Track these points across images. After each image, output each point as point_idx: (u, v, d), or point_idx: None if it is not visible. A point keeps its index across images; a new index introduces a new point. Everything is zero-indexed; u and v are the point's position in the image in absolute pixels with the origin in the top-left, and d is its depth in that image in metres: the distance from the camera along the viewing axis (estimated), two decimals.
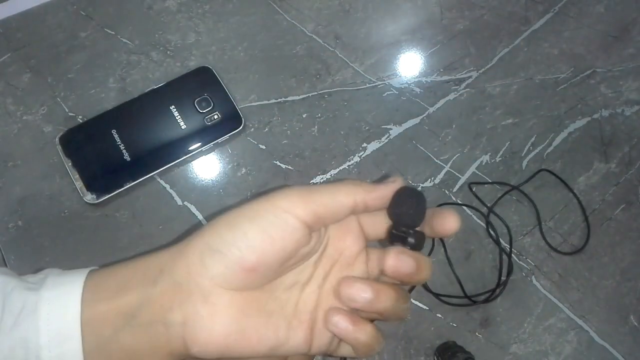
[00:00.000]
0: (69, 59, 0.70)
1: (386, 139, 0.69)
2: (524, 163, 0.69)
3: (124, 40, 0.72)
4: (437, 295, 0.61)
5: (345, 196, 0.28)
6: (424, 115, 0.71)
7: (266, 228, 0.25)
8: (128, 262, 0.27)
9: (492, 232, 0.65)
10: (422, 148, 0.69)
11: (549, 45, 0.77)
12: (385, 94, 0.72)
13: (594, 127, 0.72)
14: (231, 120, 0.67)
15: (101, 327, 0.24)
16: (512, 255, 0.64)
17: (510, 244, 0.64)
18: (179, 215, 0.63)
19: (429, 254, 0.63)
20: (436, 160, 0.69)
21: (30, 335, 0.23)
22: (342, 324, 0.27)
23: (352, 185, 0.28)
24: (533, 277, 0.63)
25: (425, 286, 0.62)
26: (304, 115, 0.70)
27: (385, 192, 0.29)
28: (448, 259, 0.63)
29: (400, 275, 0.28)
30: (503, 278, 0.63)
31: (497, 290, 0.62)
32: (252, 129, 0.68)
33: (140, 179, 0.63)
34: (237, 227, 0.25)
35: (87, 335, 0.24)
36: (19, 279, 0.26)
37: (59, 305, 0.24)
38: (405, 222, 0.29)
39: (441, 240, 0.64)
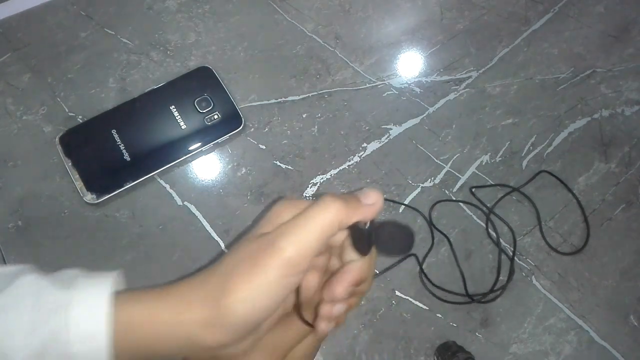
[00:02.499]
0: (69, 59, 0.70)
1: (386, 139, 0.69)
2: (524, 163, 0.69)
3: (124, 40, 0.72)
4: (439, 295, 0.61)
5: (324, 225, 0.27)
6: (424, 115, 0.71)
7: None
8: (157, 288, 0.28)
9: (492, 233, 0.65)
10: (422, 148, 0.69)
11: (549, 45, 0.77)
12: (385, 94, 0.72)
13: (594, 127, 0.72)
14: (231, 120, 0.67)
15: (129, 329, 0.25)
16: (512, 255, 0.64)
17: (514, 246, 0.64)
18: (179, 215, 0.63)
19: (429, 252, 0.63)
20: (436, 160, 0.69)
21: (61, 331, 0.24)
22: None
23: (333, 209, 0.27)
24: (533, 277, 0.63)
25: (426, 287, 0.62)
26: (304, 115, 0.70)
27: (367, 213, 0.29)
28: (454, 252, 0.63)
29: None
30: (502, 278, 0.63)
31: (498, 292, 0.62)
32: (252, 129, 0.68)
33: (140, 179, 0.63)
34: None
35: (116, 334, 0.25)
36: (50, 277, 0.27)
37: (89, 304, 0.25)
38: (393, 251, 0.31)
39: (446, 236, 0.64)
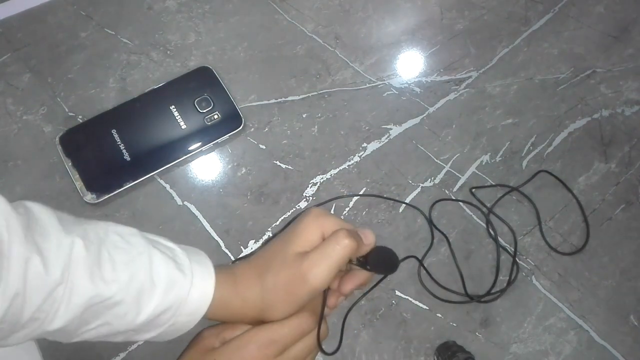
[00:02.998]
0: (69, 59, 0.70)
1: (386, 139, 0.69)
2: (524, 163, 0.69)
3: (124, 40, 0.72)
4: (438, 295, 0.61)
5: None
6: (424, 115, 0.71)
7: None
8: (234, 267, 0.39)
9: (492, 233, 0.65)
10: (422, 148, 0.69)
11: (549, 45, 0.77)
12: (385, 94, 0.72)
13: (594, 127, 0.72)
14: (231, 120, 0.67)
15: (213, 309, 0.36)
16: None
17: (515, 247, 0.64)
18: (179, 215, 0.63)
19: (427, 251, 0.63)
20: (436, 160, 0.69)
21: (180, 304, 0.34)
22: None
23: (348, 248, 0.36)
24: (533, 277, 0.63)
25: (426, 287, 0.62)
26: (304, 115, 0.70)
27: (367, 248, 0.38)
28: (452, 252, 0.63)
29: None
30: (501, 278, 0.63)
31: (498, 292, 0.62)
32: (252, 129, 0.68)
33: (140, 179, 0.63)
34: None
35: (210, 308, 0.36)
36: (166, 255, 0.34)
37: (201, 291, 0.35)
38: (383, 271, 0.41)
39: (445, 236, 0.64)
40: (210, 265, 0.37)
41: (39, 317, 0.29)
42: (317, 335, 0.38)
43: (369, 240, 0.38)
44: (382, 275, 0.43)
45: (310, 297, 0.36)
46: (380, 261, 0.39)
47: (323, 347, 0.38)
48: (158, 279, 0.33)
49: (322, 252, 0.35)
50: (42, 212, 0.31)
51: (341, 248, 0.35)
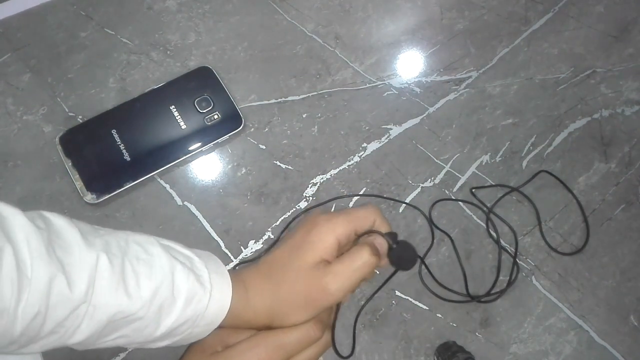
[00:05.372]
0: (69, 59, 0.70)
1: (386, 139, 0.69)
2: (524, 163, 0.69)
3: (124, 40, 0.72)
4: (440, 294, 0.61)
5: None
6: (424, 115, 0.71)
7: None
8: (246, 275, 0.38)
9: (492, 233, 0.65)
10: (422, 148, 0.69)
11: (549, 45, 0.77)
12: (385, 94, 0.72)
13: (594, 127, 0.72)
14: (231, 120, 0.67)
15: (227, 318, 0.36)
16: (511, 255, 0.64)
17: (516, 247, 0.64)
18: (179, 215, 0.63)
19: (428, 250, 0.63)
20: (436, 160, 0.69)
21: (198, 316, 0.34)
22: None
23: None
24: (533, 277, 0.63)
25: (427, 287, 0.62)
26: (304, 115, 0.70)
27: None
28: (456, 250, 0.63)
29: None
30: (502, 278, 0.63)
31: (497, 293, 0.62)
32: (252, 129, 0.68)
33: (140, 179, 0.63)
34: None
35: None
36: (186, 266, 0.34)
37: (219, 305, 0.35)
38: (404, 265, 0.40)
39: (448, 235, 0.64)
40: (227, 275, 0.36)
41: (58, 332, 0.29)
42: (331, 340, 0.38)
43: (383, 250, 0.39)
44: (394, 270, 0.43)
45: (327, 308, 0.36)
46: (403, 258, 0.39)
47: (339, 350, 0.39)
48: (179, 294, 0.33)
49: (346, 267, 0.36)
50: (62, 225, 0.31)
51: (365, 266, 0.36)
